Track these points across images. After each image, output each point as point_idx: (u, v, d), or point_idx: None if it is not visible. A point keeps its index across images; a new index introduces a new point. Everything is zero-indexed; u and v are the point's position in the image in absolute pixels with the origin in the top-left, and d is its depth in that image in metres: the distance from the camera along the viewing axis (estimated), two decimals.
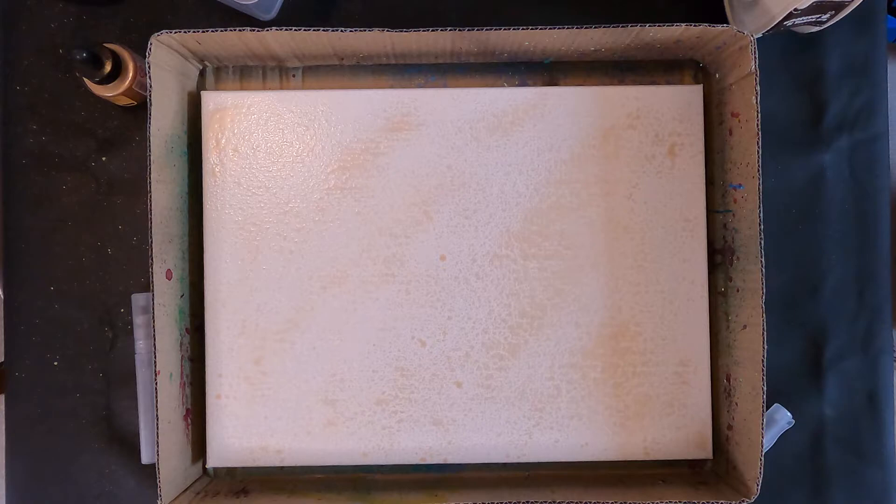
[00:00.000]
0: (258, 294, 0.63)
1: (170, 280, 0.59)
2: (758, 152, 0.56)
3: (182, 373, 0.61)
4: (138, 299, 0.64)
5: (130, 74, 0.60)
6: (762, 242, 0.56)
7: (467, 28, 0.57)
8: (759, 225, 0.56)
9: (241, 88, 0.65)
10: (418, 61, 0.65)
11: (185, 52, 0.61)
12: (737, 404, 0.61)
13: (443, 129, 0.63)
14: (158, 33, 0.56)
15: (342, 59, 0.64)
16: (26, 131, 0.65)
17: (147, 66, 0.56)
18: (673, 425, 0.63)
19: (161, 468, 0.55)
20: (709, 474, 0.64)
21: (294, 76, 0.65)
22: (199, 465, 0.64)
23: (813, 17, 0.61)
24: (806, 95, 0.67)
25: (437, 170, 0.63)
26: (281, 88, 0.65)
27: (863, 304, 0.67)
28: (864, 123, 0.67)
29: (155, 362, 0.56)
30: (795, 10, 0.57)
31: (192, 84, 0.64)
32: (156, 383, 0.56)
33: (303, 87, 0.65)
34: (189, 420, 0.62)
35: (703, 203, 0.64)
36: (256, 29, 0.57)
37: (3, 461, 0.65)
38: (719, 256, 0.64)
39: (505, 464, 0.64)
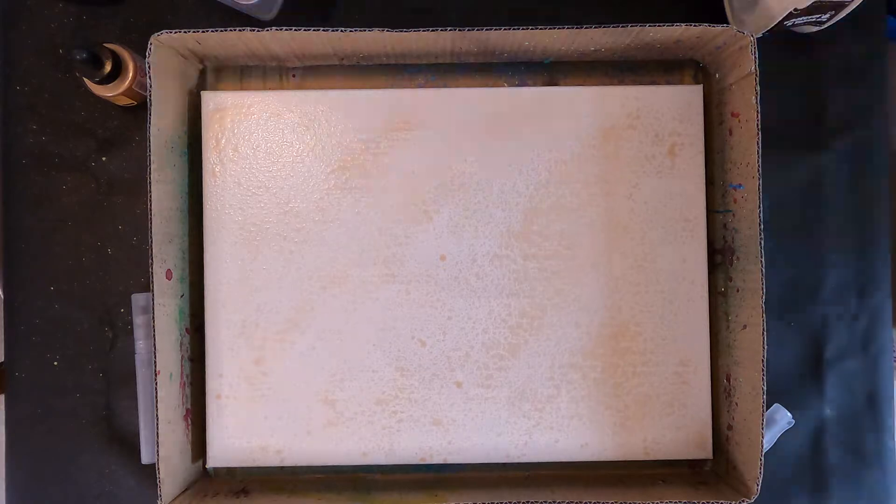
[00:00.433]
0: (258, 294, 0.63)
1: (170, 280, 0.59)
2: (758, 152, 0.56)
3: (182, 373, 0.61)
4: (138, 299, 0.64)
5: (130, 74, 0.60)
6: (762, 242, 0.56)
7: (467, 28, 0.57)
8: (759, 225, 0.56)
9: (241, 88, 0.65)
10: (418, 61, 0.65)
11: (185, 52, 0.61)
12: (737, 404, 0.61)
13: (443, 129, 0.63)
14: (158, 33, 0.56)
15: (342, 59, 0.64)
16: (26, 131, 0.65)
17: (147, 66, 0.56)
18: (673, 425, 0.63)
19: (161, 468, 0.55)
20: (709, 474, 0.64)
21: (294, 76, 0.65)
22: (199, 465, 0.64)
23: (813, 17, 0.61)
24: (806, 95, 0.67)
25: (437, 170, 0.63)
26: (281, 88, 0.65)
27: (863, 304, 0.67)
28: (864, 123, 0.67)
29: (155, 362, 0.56)
30: (795, 10, 0.57)
31: (192, 84, 0.64)
32: (156, 383, 0.56)
33: (303, 87, 0.65)
34: (189, 420, 0.62)
35: (703, 203, 0.64)
36: (256, 29, 0.57)
37: (3, 461, 0.65)
38: (719, 256, 0.64)
39: (505, 464, 0.64)
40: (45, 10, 0.65)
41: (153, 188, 0.56)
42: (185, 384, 0.62)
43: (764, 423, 0.56)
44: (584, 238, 0.63)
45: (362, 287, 0.63)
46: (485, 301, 0.63)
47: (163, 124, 0.58)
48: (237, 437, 0.63)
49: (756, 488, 0.56)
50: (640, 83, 0.65)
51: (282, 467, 0.64)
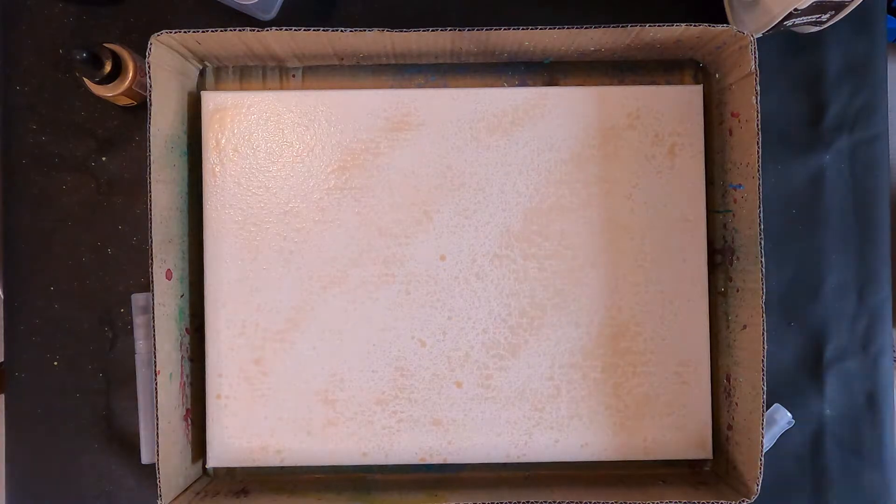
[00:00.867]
0: (258, 294, 0.63)
1: (170, 280, 0.59)
2: (758, 152, 0.56)
3: (182, 373, 0.61)
4: (138, 299, 0.64)
5: (130, 74, 0.60)
6: (762, 242, 0.56)
7: (467, 28, 0.57)
8: (759, 225, 0.56)
9: (241, 88, 0.65)
10: (418, 61, 0.65)
11: (185, 52, 0.61)
12: (737, 404, 0.61)
13: (443, 129, 0.63)
14: (158, 33, 0.56)
15: (342, 59, 0.64)
16: (26, 131, 0.65)
17: (147, 66, 0.56)
18: (673, 425, 0.63)
19: (161, 468, 0.55)
20: (709, 474, 0.64)
21: (294, 76, 0.65)
22: (199, 465, 0.64)
23: (813, 17, 0.61)
24: (806, 95, 0.67)
25: (437, 170, 0.63)
26: (281, 88, 0.65)
27: (863, 304, 0.67)
28: (864, 123, 0.67)
29: (155, 362, 0.56)
30: (795, 10, 0.57)
31: (192, 84, 0.64)
32: (156, 383, 0.56)
33: (303, 87, 0.65)
34: (189, 420, 0.62)
35: (703, 203, 0.64)
36: (256, 29, 0.57)
37: (3, 461, 0.65)
38: (719, 256, 0.64)
39: (505, 464, 0.64)
40: (45, 10, 0.65)
41: (153, 188, 0.56)
42: (185, 384, 0.62)
43: (764, 423, 0.56)
44: (584, 238, 0.63)
45: (362, 287, 0.63)
46: (485, 301, 0.63)
47: (163, 124, 0.58)
48: (237, 437, 0.63)
49: (756, 488, 0.56)
50: (640, 83, 0.65)
51: (282, 467, 0.64)
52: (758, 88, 0.56)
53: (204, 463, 0.64)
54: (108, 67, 0.58)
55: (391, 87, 0.65)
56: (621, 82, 0.65)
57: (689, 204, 0.64)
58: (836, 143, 0.67)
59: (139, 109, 0.65)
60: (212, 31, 0.56)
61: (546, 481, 0.63)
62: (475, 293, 0.63)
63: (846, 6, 0.59)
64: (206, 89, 0.65)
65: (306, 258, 0.63)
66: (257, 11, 0.64)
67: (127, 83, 0.60)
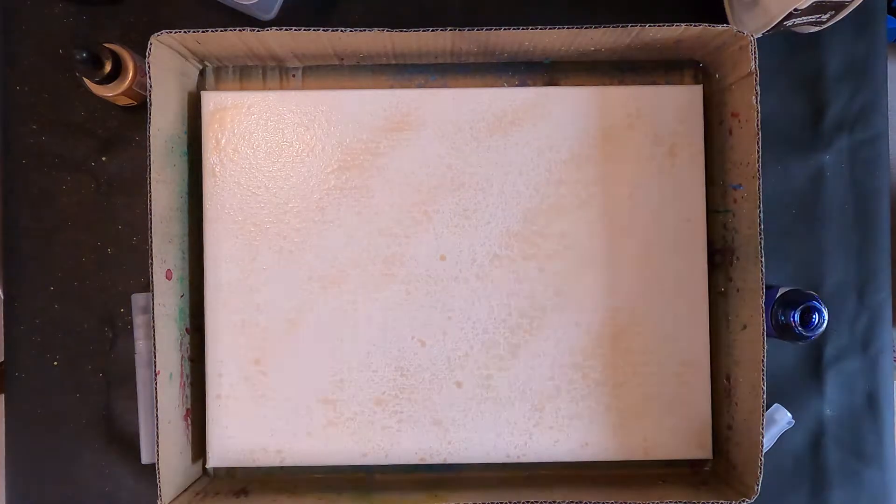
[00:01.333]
0: (258, 294, 0.63)
1: (170, 280, 0.59)
2: (758, 152, 0.56)
3: (182, 373, 0.61)
4: (138, 299, 0.64)
5: (130, 74, 0.60)
6: (762, 242, 0.56)
7: (467, 28, 0.57)
8: (759, 225, 0.56)
9: (241, 88, 0.65)
10: (418, 61, 0.65)
11: (185, 52, 0.61)
12: (737, 404, 0.61)
13: (443, 129, 0.63)
14: (158, 33, 0.56)
15: (342, 59, 0.64)
16: (26, 131, 0.65)
17: (147, 66, 0.56)
18: (673, 425, 0.63)
19: (161, 468, 0.55)
20: (709, 474, 0.64)
21: (294, 76, 0.65)
22: (199, 465, 0.64)
23: (813, 18, 0.61)
24: (806, 95, 0.67)
25: (437, 170, 0.63)
26: (281, 88, 0.65)
27: (863, 304, 0.67)
28: (864, 123, 0.67)
29: (155, 362, 0.56)
30: (795, 10, 0.57)
31: (192, 84, 0.64)
32: (156, 383, 0.56)
33: (303, 87, 0.65)
34: (189, 420, 0.62)
35: (703, 203, 0.64)
36: (256, 29, 0.57)
37: (3, 461, 0.65)
38: (719, 256, 0.64)
39: (505, 464, 0.64)
40: (45, 10, 0.65)
41: (153, 188, 0.56)
42: (185, 384, 0.62)
43: (764, 423, 0.56)
44: (584, 238, 0.63)
45: (362, 287, 0.63)
46: (485, 301, 0.63)
47: (163, 124, 0.58)
48: (237, 437, 0.63)
49: (756, 488, 0.56)
50: (640, 83, 0.65)
51: (282, 467, 0.64)
52: (758, 88, 0.56)
53: (204, 463, 0.64)
54: (108, 67, 0.58)
55: (391, 87, 0.65)
56: (621, 82, 0.65)
57: (689, 204, 0.63)
58: (837, 142, 0.67)
59: (139, 109, 0.65)
60: (212, 31, 0.56)
61: (546, 481, 0.63)
62: (475, 293, 0.63)
63: (846, 6, 0.59)
64: (206, 89, 0.65)
65: (306, 258, 0.63)
66: (257, 11, 0.64)
67: (127, 83, 0.60)
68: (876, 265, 0.67)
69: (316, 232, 0.63)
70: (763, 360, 0.56)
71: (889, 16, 0.68)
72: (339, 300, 0.63)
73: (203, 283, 0.63)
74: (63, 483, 0.65)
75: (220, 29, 0.56)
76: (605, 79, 0.65)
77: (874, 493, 0.66)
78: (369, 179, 0.63)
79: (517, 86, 0.65)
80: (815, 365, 0.66)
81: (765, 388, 0.55)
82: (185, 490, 0.60)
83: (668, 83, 0.65)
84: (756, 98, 0.56)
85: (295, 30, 0.56)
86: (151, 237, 0.56)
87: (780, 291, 0.62)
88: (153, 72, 0.56)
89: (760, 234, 0.56)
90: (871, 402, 0.66)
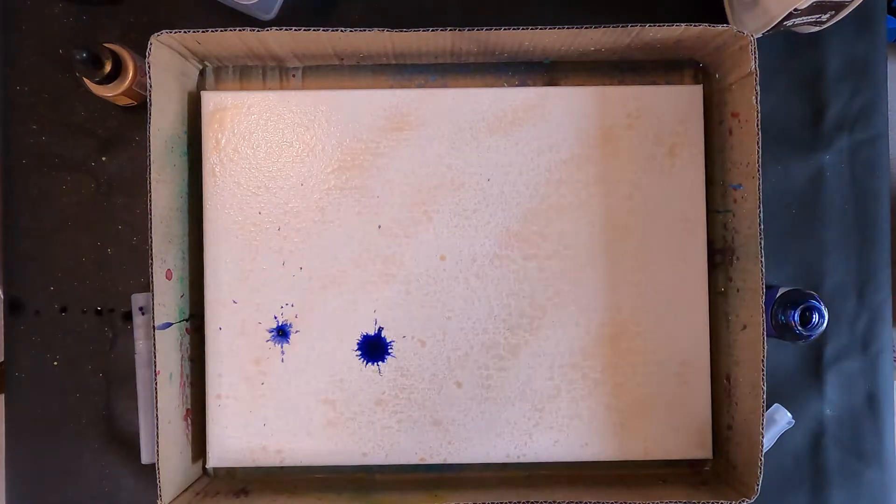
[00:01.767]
0: (258, 294, 0.63)
1: (170, 280, 0.59)
2: (758, 152, 0.56)
3: (182, 373, 0.61)
4: (138, 299, 0.64)
5: (130, 74, 0.60)
6: (762, 242, 0.56)
7: (467, 28, 0.57)
8: (759, 225, 0.56)
9: (241, 88, 0.65)
10: (418, 61, 0.65)
11: (185, 52, 0.61)
12: (737, 404, 0.61)
13: (443, 129, 0.63)
14: (158, 33, 0.56)
15: (342, 59, 0.64)
16: (26, 131, 0.65)
17: (147, 66, 0.56)
18: (673, 425, 0.63)
19: (161, 468, 0.55)
20: (709, 474, 0.64)
21: (294, 76, 0.65)
22: (199, 465, 0.64)
23: (813, 17, 0.61)
24: (806, 95, 0.67)
25: (437, 170, 0.63)
26: (281, 88, 0.65)
27: (863, 304, 0.67)
28: (864, 123, 0.67)
29: (155, 362, 0.56)
30: (795, 10, 0.57)
31: (192, 84, 0.64)
32: (156, 383, 0.56)
33: (303, 87, 0.65)
34: (189, 420, 0.62)
35: (703, 203, 0.64)
36: (256, 29, 0.57)
37: (3, 461, 0.65)
38: (719, 256, 0.64)
39: (505, 464, 0.64)
40: (45, 10, 0.65)
41: (153, 188, 0.56)
42: (185, 384, 0.62)
43: (764, 423, 0.56)
44: (584, 238, 0.63)
45: (362, 287, 0.63)
46: (485, 301, 0.63)
47: (163, 124, 0.58)
48: (237, 437, 0.63)
49: (756, 488, 0.56)
50: (640, 83, 0.65)
51: (282, 467, 0.64)
52: (758, 88, 0.56)
53: (204, 463, 0.64)
54: (108, 67, 0.58)
55: (391, 87, 0.65)
56: (621, 82, 0.65)
57: (689, 204, 0.64)
58: (836, 142, 0.67)
59: (139, 109, 0.65)
60: (212, 31, 0.56)
61: (546, 481, 0.63)
62: (475, 293, 0.63)
63: (846, 6, 0.59)
64: (206, 89, 0.65)
65: (306, 258, 0.63)
66: (257, 11, 0.64)
67: (127, 83, 0.60)
68: (876, 265, 0.67)
69: (316, 232, 0.63)
70: (763, 360, 0.56)
71: (889, 16, 0.68)
72: (339, 300, 0.63)
73: (203, 284, 0.63)
74: (63, 483, 0.65)
75: (220, 29, 0.56)
76: (605, 79, 0.65)
77: (874, 493, 0.66)
78: (369, 179, 0.63)
79: (517, 86, 0.65)
80: (815, 365, 0.66)
81: (765, 388, 0.55)
82: (185, 490, 0.60)
83: (668, 83, 0.65)
84: (756, 98, 0.56)
85: (295, 30, 0.56)
86: (151, 237, 0.56)
87: (780, 291, 0.62)
88: (153, 72, 0.56)
89: (760, 234, 0.56)
90: (871, 402, 0.66)
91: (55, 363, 0.65)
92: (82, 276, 0.65)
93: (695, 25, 0.56)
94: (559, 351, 0.63)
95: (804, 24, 0.62)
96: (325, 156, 0.63)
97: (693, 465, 0.65)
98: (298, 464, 0.63)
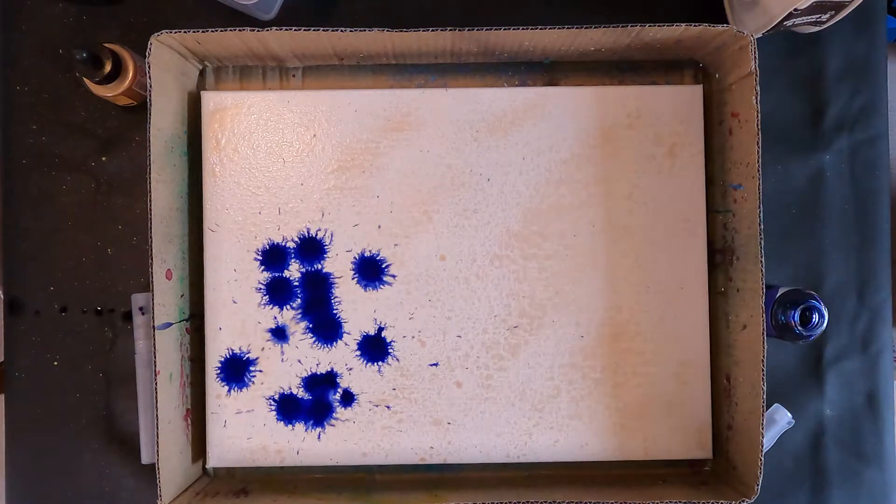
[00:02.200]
0: (258, 294, 0.63)
1: (170, 280, 0.59)
2: (758, 152, 0.56)
3: (182, 373, 0.61)
4: (138, 299, 0.64)
5: (130, 74, 0.60)
6: (762, 242, 0.56)
7: (467, 28, 0.57)
8: (759, 225, 0.56)
9: (241, 88, 0.65)
10: (418, 61, 0.65)
11: (185, 52, 0.61)
12: (737, 404, 0.61)
13: (443, 129, 0.63)
14: (158, 33, 0.56)
15: (342, 59, 0.64)
16: (26, 131, 0.65)
17: (147, 66, 0.56)
18: (673, 425, 0.63)
19: (161, 468, 0.55)
20: (709, 474, 0.64)
21: (294, 76, 0.65)
22: (199, 465, 0.64)
23: (813, 17, 0.61)
24: (806, 95, 0.67)
25: (437, 170, 0.63)
26: (281, 88, 0.65)
27: (863, 304, 0.67)
28: (864, 123, 0.67)
29: (155, 362, 0.56)
30: (795, 10, 0.57)
31: (192, 84, 0.64)
32: (156, 383, 0.56)
33: (303, 87, 0.65)
34: (189, 420, 0.62)
35: (703, 203, 0.64)
36: (256, 29, 0.57)
37: (4, 461, 0.65)
38: (719, 256, 0.64)
39: (505, 464, 0.64)
40: (45, 10, 0.65)
41: (153, 188, 0.56)
42: (185, 384, 0.62)
43: (764, 423, 0.56)
44: (584, 238, 0.63)
45: (362, 287, 0.63)
46: (485, 301, 0.63)
47: (163, 124, 0.58)
48: (237, 437, 0.63)
49: (756, 488, 0.56)
50: (640, 83, 0.65)
51: (282, 467, 0.64)
52: (758, 88, 0.56)
53: (204, 463, 0.64)
54: (108, 67, 0.58)
55: (391, 87, 0.65)
56: (621, 82, 0.65)
57: (689, 204, 0.64)
58: (836, 142, 0.67)
59: (139, 109, 0.65)
60: (212, 31, 0.56)
61: (546, 481, 0.63)
62: (475, 293, 0.63)
63: (846, 6, 0.59)
64: (206, 89, 0.65)
65: (306, 258, 0.63)
66: (257, 11, 0.64)
67: (127, 83, 0.60)
68: (876, 265, 0.67)
69: (316, 232, 0.63)
70: (763, 360, 0.56)
71: (889, 16, 0.68)
72: (339, 300, 0.63)
73: (203, 283, 0.63)
74: (63, 483, 0.65)
75: (220, 29, 0.56)
76: (605, 79, 0.65)
77: (874, 493, 0.66)
78: (369, 179, 0.63)
79: (517, 86, 0.65)
80: (815, 365, 0.66)
81: (765, 388, 0.55)
82: (185, 490, 0.60)
83: (668, 83, 0.65)
84: (756, 98, 0.56)
85: (295, 30, 0.56)
86: (151, 237, 0.56)
87: (780, 291, 0.62)
88: (153, 72, 0.56)
89: (760, 234, 0.56)
90: (871, 402, 0.66)
91: (55, 363, 0.65)
92: (82, 276, 0.65)
93: (695, 25, 0.56)
94: (559, 351, 0.63)
95: (804, 24, 0.62)
96: (325, 156, 0.63)
97: (693, 465, 0.65)
98: (298, 464, 0.63)
